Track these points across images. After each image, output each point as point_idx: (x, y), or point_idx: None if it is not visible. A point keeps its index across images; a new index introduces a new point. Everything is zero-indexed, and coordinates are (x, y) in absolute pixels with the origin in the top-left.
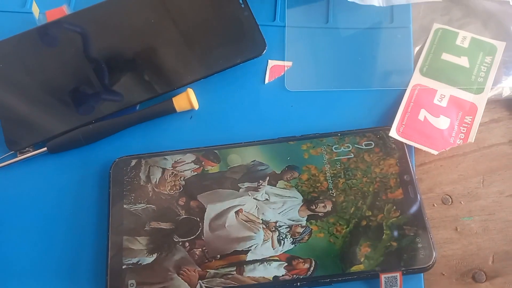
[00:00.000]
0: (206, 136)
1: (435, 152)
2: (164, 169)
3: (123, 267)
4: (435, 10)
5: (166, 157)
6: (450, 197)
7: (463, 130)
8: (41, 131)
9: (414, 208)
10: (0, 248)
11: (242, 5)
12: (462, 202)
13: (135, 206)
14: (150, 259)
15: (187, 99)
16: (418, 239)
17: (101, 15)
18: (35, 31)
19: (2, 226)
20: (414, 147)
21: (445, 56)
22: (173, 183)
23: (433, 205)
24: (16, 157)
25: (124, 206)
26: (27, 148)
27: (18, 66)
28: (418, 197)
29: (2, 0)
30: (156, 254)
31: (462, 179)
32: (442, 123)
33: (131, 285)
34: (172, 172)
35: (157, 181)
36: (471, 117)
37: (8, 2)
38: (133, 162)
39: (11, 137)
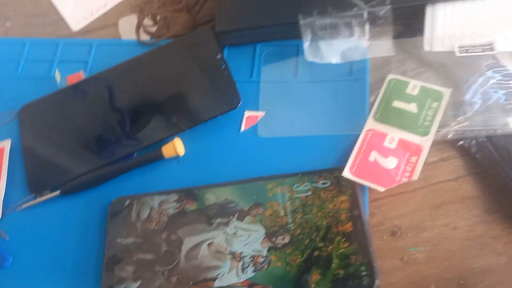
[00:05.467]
0: (191, 178)
1: (382, 189)
2: (151, 208)
3: None
4: (391, 62)
5: (154, 197)
6: (399, 229)
7: (409, 169)
8: (57, 177)
9: (361, 240)
10: (21, 277)
11: (223, 66)
12: (409, 234)
13: (126, 240)
14: (135, 286)
15: (173, 147)
16: (362, 268)
17: (107, 79)
18: (57, 93)
19: (24, 258)
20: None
21: (396, 103)
22: (158, 220)
23: (383, 237)
24: (36, 199)
25: (117, 239)
26: (45, 191)
27: (43, 121)
28: (365, 230)
29: (32, 67)
30: (140, 281)
31: (410, 213)
32: (390, 163)
33: None
34: (158, 210)
35: (145, 218)
36: (416, 157)
37: (38, 69)
38: (127, 202)
39: (32, 182)
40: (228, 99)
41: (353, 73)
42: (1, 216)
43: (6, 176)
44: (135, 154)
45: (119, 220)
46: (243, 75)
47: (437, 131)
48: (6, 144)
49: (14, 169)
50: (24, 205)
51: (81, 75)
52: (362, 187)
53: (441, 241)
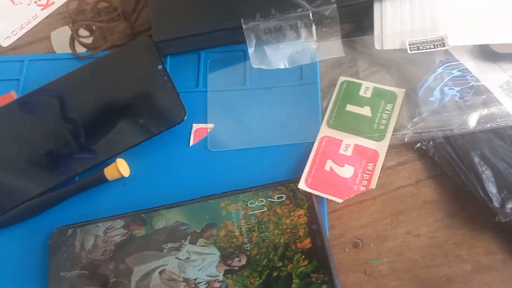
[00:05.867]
0: (138, 201)
1: (339, 201)
2: (96, 236)
3: None
4: (343, 63)
5: (98, 224)
6: (361, 240)
7: (366, 177)
8: None
9: (321, 256)
10: None
11: (165, 78)
12: (372, 245)
13: (70, 273)
14: None
15: (115, 169)
16: (324, 286)
17: (42, 98)
18: None
19: None
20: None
21: (349, 107)
22: (104, 249)
23: (345, 250)
24: None
25: (61, 273)
26: None
27: None
28: (325, 245)
29: None
30: None
31: (371, 222)
32: (347, 172)
33: None
34: (104, 239)
35: (90, 248)
36: (373, 164)
37: None
38: (69, 232)
39: None
40: (172, 113)
41: (304, 77)
42: None
43: None
44: (76, 178)
45: (62, 252)
46: (189, 85)
47: (393, 134)
48: None
49: None
50: None
51: (13, 95)
52: (320, 198)
53: (404, 250)
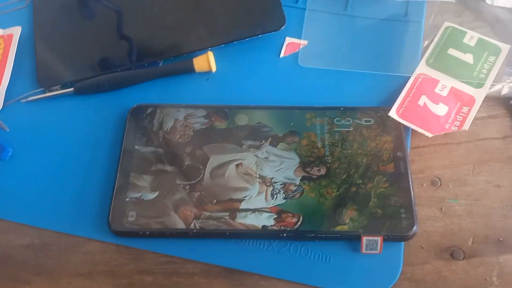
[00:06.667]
0: (219, 97)
1: (429, 135)
2: (176, 119)
3: (127, 199)
4: (448, 12)
5: (179, 109)
6: (440, 179)
7: (459, 118)
8: (71, 73)
9: (402, 182)
10: (21, 171)
11: None
12: (450, 186)
13: (146, 148)
14: (152, 196)
15: (206, 61)
16: (402, 210)
17: None
18: None
19: (25, 152)
20: (411, 129)
21: (451, 51)
22: (183, 133)
23: (422, 185)
24: (45, 93)
25: (136, 146)
26: (55, 87)
27: (60, 14)
28: (408, 173)
29: None
30: (158, 192)
31: (453, 165)
32: (440, 110)
33: (131, 216)
34: (183, 123)
35: (169, 129)
36: (468, 107)
37: None
38: (149, 110)
39: (43, 75)
40: (272, 18)
41: (408, 15)
42: (2, 106)
43: (12, 64)
44: (161, 63)
45: (139, 127)
46: (289, 0)
47: (492, 84)
48: (16, 31)
49: (22, 60)
50: (31, 98)
51: None
52: (407, 130)
53: (482, 196)
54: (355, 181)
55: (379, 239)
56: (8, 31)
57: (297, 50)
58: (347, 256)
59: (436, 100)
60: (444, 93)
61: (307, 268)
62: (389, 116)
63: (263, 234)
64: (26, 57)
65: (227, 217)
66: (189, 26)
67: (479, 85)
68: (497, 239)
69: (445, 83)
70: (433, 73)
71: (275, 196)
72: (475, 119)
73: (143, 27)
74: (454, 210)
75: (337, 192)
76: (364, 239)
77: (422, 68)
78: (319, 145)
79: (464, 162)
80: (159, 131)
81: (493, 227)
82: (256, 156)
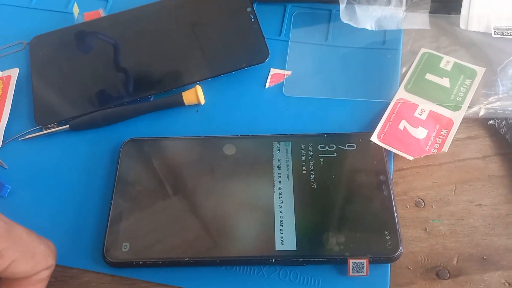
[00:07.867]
0: (208, 129)
1: (410, 158)
2: (167, 151)
3: (120, 231)
4: (425, 38)
5: (170, 141)
6: (423, 200)
7: (439, 141)
8: (66, 110)
9: (386, 205)
10: (19, 207)
11: (252, 19)
12: (433, 206)
13: (138, 180)
14: (145, 226)
15: (195, 94)
16: (387, 232)
17: (129, 19)
18: (74, 27)
19: (24, 188)
20: (393, 152)
21: (429, 76)
22: (175, 164)
23: (406, 207)
24: (42, 131)
25: (129, 179)
26: (52, 125)
27: (56, 54)
28: (391, 195)
29: (49, 0)
30: (151, 222)
31: (435, 186)
32: (420, 133)
33: (125, 247)
34: (175, 155)
35: (161, 161)
36: (446, 130)
37: (54, 2)
38: (142, 143)
39: (40, 114)
40: (256, 52)
41: (387, 43)
42: (1, 144)
43: (10, 104)
44: (152, 98)
45: (132, 160)
46: (272, 33)
47: (469, 107)
48: (14, 73)
49: (20, 100)
50: (28, 136)
51: (101, 12)
52: (389, 154)
53: (465, 215)
54: (340, 205)
55: (365, 261)
56: (6, 73)
57: (282, 81)
58: (335, 279)
59: (416, 124)
60: (423, 116)
61: None
62: (371, 141)
63: (253, 260)
64: (23, 97)
65: None
66: (178, 62)
67: (457, 108)
68: (481, 257)
69: (424, 107)
70: (412, 98)
71: None
72: (455, 140)
73: (134, 65)
74: (438, 230)
75: (323, 217)
76: (351, 262)
77: (401, 94)
78: (304, 171)
79: (446, 183)
80: (151, 164)
81: (477, 245)
82: None
